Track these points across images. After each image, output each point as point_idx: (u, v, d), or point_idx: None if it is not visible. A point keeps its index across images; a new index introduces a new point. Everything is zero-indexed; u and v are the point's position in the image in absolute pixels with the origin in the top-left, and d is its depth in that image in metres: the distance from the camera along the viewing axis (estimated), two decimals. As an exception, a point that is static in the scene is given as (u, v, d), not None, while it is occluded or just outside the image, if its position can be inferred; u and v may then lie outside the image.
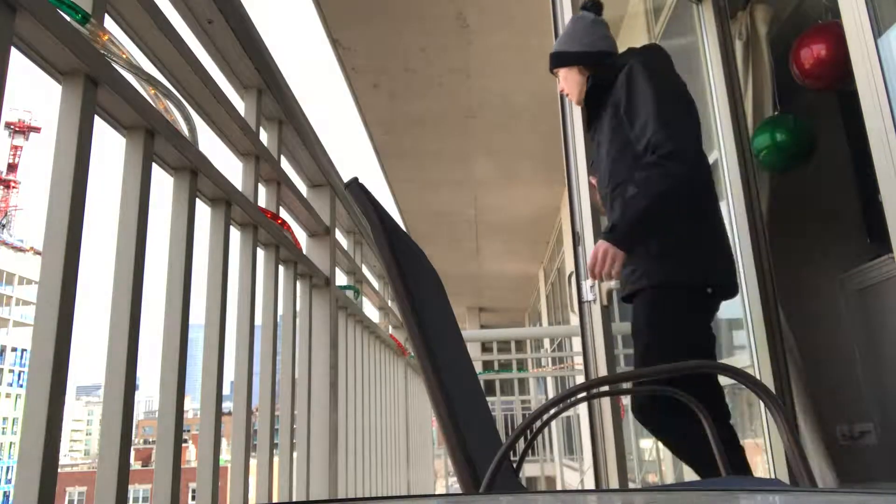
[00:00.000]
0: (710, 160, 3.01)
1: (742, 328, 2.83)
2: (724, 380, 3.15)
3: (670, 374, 1.83)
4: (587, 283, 2.36)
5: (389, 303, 2.95)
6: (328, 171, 1.89)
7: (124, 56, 0.88)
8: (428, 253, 1.54)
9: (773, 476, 2.51)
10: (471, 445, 0.97)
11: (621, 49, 2.23)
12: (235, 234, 1.26)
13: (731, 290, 1.99)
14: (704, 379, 1.95)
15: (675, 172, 1.81)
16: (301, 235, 1.73)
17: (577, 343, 6.95)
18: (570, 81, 2.16)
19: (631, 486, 5.04)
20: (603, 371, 2.33)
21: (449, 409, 0.97)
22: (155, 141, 0.94)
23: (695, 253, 1.92)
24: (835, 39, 2.77)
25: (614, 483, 2.23)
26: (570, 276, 2.40)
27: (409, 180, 7.04)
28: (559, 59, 2.20)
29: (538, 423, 2.84)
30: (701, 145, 1.93)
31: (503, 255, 9.93)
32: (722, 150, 2.88)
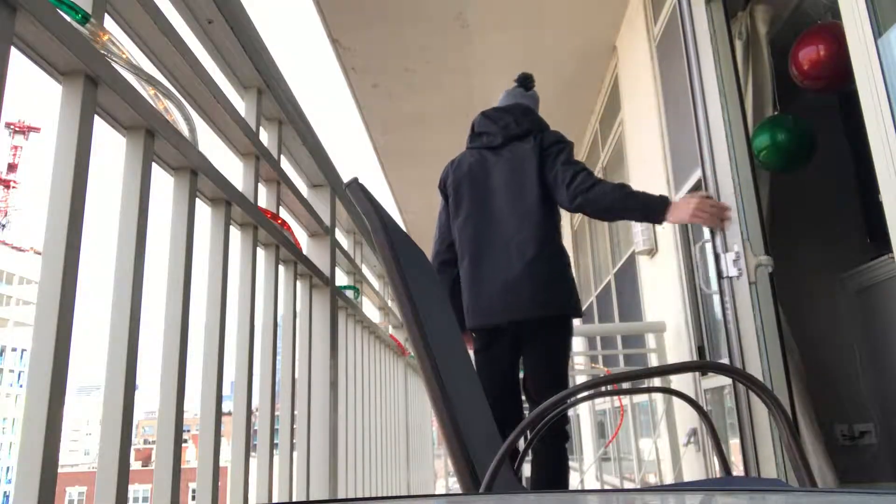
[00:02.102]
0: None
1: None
2: (724, 380, 3.16)
3: (671, 373, 1.89)
4: (729, 256, 2.04)
5: (389, 303, 2.95)
6: (328, 171, 1.89)
7: (124, 56, 0.88)
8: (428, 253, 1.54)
9: (773, 476, 2.51)
10: (471, 445, 0.97)
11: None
12: (235, 234, 1.26)
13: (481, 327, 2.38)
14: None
15: None
16: (301, 235, 1.72)
17: (577, 343, 6.94)
18: None
19: (630, 486, 5.04)
20: (754, 361, 1.98)
21: (449, 409, 0.97)
22: (155, 141, 0.94)
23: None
24: (835, 39, 2.77)
25: (769, 472, 1.99)
26: (698, 248, 2.12)
27: (409, 180, 7.04)
28: None
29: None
30: (437, 251, 2.57)
31: (503, 255, 9.91)
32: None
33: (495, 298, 2.29)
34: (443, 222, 2.55)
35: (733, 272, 2.02)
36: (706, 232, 2.20)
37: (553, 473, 2.26)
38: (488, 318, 2.30)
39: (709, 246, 2.18)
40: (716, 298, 3.29)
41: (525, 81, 2.72)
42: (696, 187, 3.30)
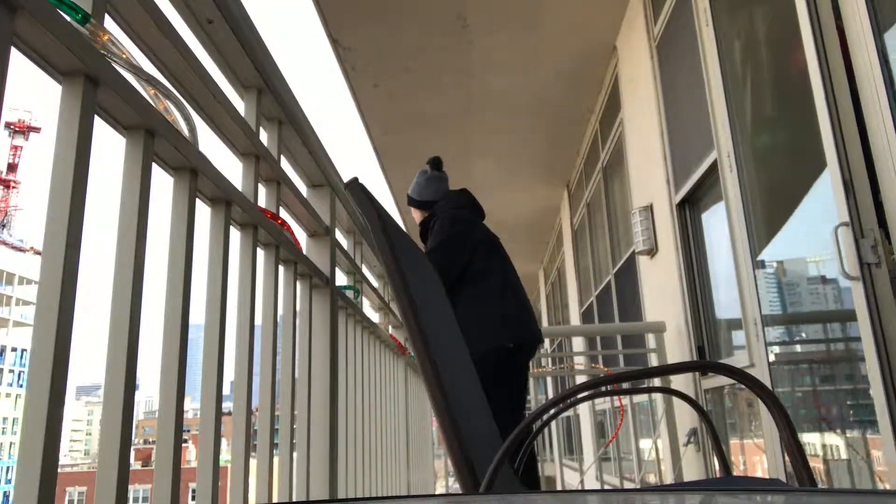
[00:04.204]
0: (710, 160, 3.02)
1: (741, 328, 2.83)
2: (724, 380, 3.16)
3: (671, 374, 1.91)
4: (867, 242, 1.95)
5: (389, 303, 2.95)
6: (328, 171, 1.89)
7: (124, 56, 0.88)
8: (428, 253, 1.54)
9: (773, 476, 2.51)
10: (471, 445, 0.97)
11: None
12: (235, 234, 1.26)
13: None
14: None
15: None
16: (301, 235, 1.72)
17: (577, 343, 6.95)
18: (419, 217, 3.30)
19: (630, 486, 5.04)
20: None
21: (449, 409, 0.97)
22: (155, 141, 0.94)
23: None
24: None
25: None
26: (833, 230, 1.89)
27: (408, 180, 7.03)
28: (411, 201, 3.34)
29: (538, 423, 2.84)
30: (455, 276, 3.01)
31: (503, 256, 9.90)
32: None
33: (533, 327, 3.11)
34: (464, 260, 3.04)
35: (872, 259, 1.95)
36: (845, 213, 2.06)
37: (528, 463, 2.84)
38: (530, 339, 3.06)
39: (843, 230, 2.00)
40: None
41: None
42: (698, 185, 3.31)
